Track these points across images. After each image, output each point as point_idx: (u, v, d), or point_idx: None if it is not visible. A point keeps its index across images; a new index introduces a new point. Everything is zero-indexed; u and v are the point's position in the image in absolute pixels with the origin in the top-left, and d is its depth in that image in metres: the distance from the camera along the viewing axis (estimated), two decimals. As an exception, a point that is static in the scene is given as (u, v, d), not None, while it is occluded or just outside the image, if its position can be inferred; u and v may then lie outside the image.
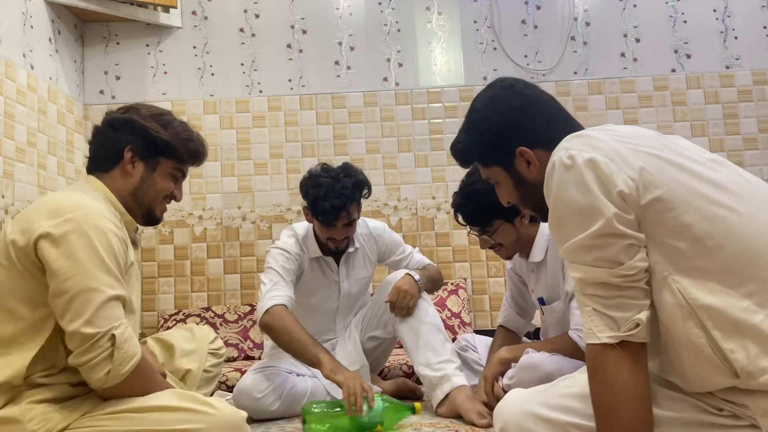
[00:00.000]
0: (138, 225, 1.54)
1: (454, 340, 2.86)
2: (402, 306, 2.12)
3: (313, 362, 1.97)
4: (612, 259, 0.99)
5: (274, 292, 2.10)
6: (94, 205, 1.36)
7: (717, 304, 0.96)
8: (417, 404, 1.92)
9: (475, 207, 1.93)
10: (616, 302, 0.99)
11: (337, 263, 2.33)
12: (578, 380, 1.13)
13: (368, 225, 2.41)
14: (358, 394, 1.80)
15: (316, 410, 1.81)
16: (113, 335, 1.26)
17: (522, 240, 1.98)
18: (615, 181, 1.00)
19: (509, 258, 2.07)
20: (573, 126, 1.21)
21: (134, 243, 1.53)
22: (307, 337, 2.00)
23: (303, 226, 2.34)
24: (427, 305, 2.17)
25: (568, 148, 1.06)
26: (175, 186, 1.56)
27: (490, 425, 1.73)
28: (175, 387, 1.53)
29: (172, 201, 1.58)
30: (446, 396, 1.96)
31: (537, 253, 1.96)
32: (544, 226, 1.96)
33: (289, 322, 2.02)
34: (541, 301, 2.00)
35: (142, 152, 1.49)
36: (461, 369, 2.05)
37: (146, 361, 1.36)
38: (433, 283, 2.32)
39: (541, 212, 1.23)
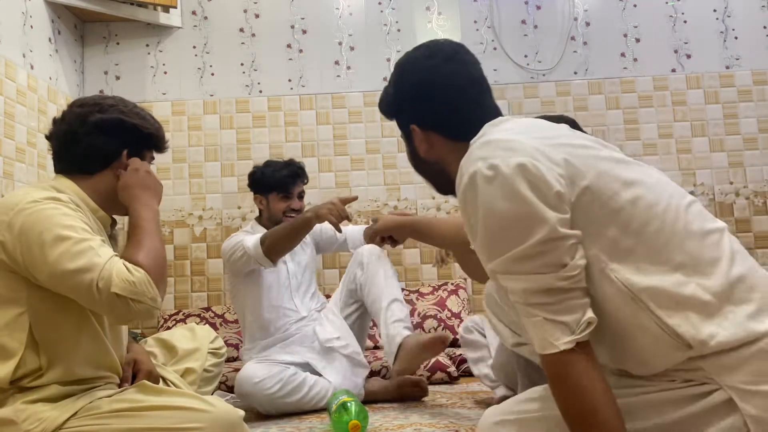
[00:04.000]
0: (114, 221, 1.51)
1: (454, 341, 2.86)
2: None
3: (303, 226, 2.25)
4: (557, 262, 0.97)
5: (248, 236, 2.36)
6: (48, 195, 1.33)
7: (653, 283, 0.97)
8: (353, 422, 1.73)
9: None
10: (564, 306, 0.97)
11: None
12: (534, 390, 1.16)
13: None
14: (338, 210, 2.15)
15: (350, 407, 1.77)
16: (115, 294, 1.22)
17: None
18: (549, 182, 0.98)
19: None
20: (477, 118, 1.14)
21: (112, 238, 1.51)
22: (285, 222, 2.34)
23: (251, 223, 2.59)
24: (384, 268, 2.32)
25: (484, 157, 1.01)
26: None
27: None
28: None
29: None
30: (399, 347, 2.10)
31: None
32: None
33: (274, 230, 2.30)
34: None
35: (135, 151, 1.48)
36: (406, 326, 2.18)
37: (148, 261, 1.30)
38: None
39: (432, 184, 1.27)
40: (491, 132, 1.10)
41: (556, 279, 0.97)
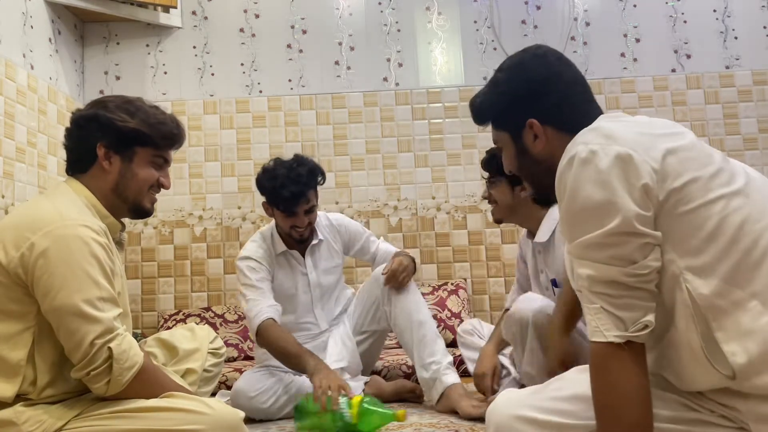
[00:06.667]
0: (123, 225, 1.51)
1: (453, 341, 2.85)
2: (399, 279, 2.19)
3: (300, 370, 2.07)
4: (626, 257, 0.96)
5: (257, 307, 2.16)
6: (74, 214, 1.34)
7: (724, 305, 0.95)
8: (400, 412, 1.84)
9: (488, 156, 2.07)
10: (625, 302, 0.97)
11: (303, 256, 2.38)
12: (570, 381, 1.12)
13: (329, 217, 2.49)
14: (331, 388, 1.87)
15: (310, 408, 1.83)
16: (109, 348, 1.26)
17: (516, 212, 2.04)
18: (640, 173, 0.97)
19: (498, 222, 2.15)
20: (591, 113, 1.18)
21: (119, 244, 1.51)
22: (294, 348, 2.08)
23: (268, 227, 2.41)
24: (418, 299, 2.23)
25: (586, 142, 1.03)
26: (159, 173, 1.52)
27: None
28: (187, 387, 1.53)
29: (162, 190, 1.55)
30: (441, 395, 2.06)
31: (542, 234, 1.99)
32: (553, 210, 1.98)
33: (275, 337, 2.10)
34: (554, 283, 2.00)
35: (115, 146, 1.45)
36: (452, 365, 2.13)
37: (149, 367, 1.36)
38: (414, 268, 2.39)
39: (535, 188, 1.25)
40: (600, 121, 1.11)
41: (622, 273, 0.97)
